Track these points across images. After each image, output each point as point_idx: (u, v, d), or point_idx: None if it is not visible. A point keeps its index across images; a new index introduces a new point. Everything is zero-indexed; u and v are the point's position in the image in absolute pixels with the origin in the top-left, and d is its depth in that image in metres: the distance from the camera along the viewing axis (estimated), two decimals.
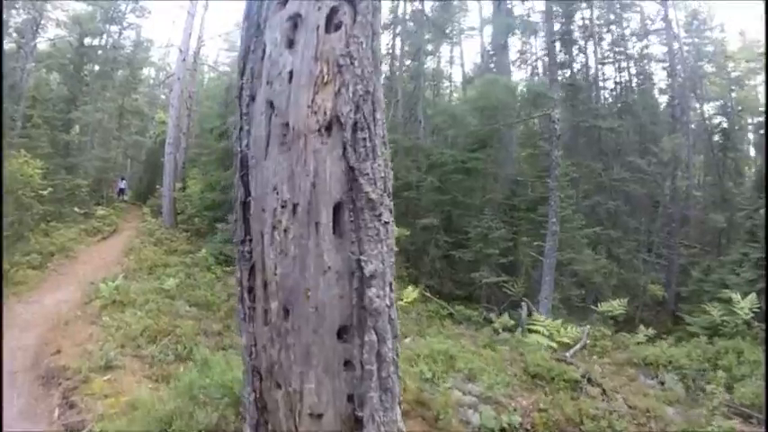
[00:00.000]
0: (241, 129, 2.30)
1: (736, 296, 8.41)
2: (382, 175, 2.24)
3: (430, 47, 20.91)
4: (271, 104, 2.16)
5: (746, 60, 21.11)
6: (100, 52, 21.22)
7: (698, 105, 21.44)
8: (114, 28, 21.95)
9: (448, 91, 25.24)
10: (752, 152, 23.40)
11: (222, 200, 13.66)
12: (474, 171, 13.60)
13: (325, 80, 2.11)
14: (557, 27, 15.33)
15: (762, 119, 21.07)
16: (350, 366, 2.12)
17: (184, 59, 17.62)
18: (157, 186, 21.20)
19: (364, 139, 2.15)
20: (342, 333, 2.13)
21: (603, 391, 5.80)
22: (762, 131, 19.38)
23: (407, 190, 13.71)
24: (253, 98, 2.28)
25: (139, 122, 26.99)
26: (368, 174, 2.15)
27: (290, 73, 2.11)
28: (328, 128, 2.11)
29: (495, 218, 12.52)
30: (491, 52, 18.43)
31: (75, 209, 15.10)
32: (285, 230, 2.11)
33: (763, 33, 8.81)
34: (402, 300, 8.79)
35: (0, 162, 9.41)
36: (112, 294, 7.42)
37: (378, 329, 2.12)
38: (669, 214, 20.12)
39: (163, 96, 29.96)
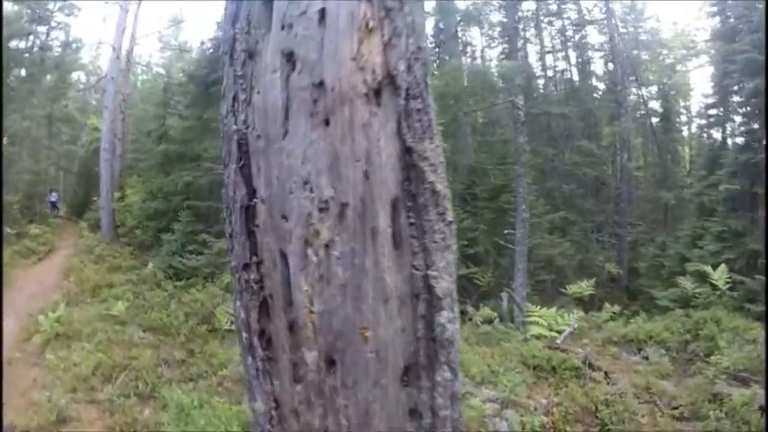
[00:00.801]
0: (234, 99, 1.56)
1: (708, 268, 8.39)
2: (441, 159, 1.59)
3: None
4: (289, 57, 1.44)
5: (678, 48, 22.08)
6: (26, 55, 19.01)
7: (635, 90, 22.16)
8: (42, 28, 19.60)
9: None
10: (685, 133, 24.51)
11: (165, 208, 12.48)
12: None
13: (369, 26, 1.41)
14: (499, 18, 15.26)
15: (690, 103, 22.19)
16: (416, 416, 1.51)
17: (117, 57, 16.00)
18: (94, 198, 19.44)
19: (419, 110, 1.48)
20: (404, 375, 1.51)
21: (606, 374, 5.70)
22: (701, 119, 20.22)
23: None
24: (251, 55, 1.54)
25: (71, 130, 24.48)
26: (428, 158, 1.49)
27: (322, 12, 1.39)
28: (377, 92, 1.42)
29: (458, 208, 12.12)
30: (443, 41, 18.08)
31: (7, 229, 13.37)
32: (327, 245, 1.40)
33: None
34: None
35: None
36: (54, 327, 6.29)
37: (451, 363, 1.52)
38: (618, 195, 20.76)
39: (94, 102, 27.53)
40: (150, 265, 10.84)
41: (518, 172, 10.37)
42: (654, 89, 22.83)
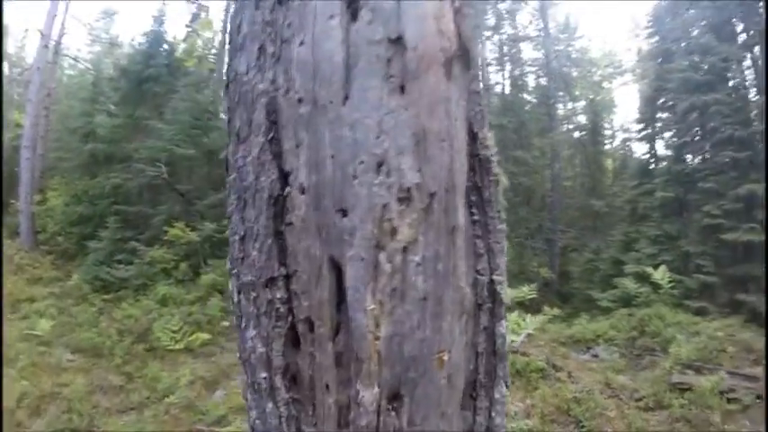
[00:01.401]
0: (261, 51, 1.13)
1: (649, 269, 8.73)
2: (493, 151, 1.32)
3: None
4: (351, 1, 1.05)
5: (605, 66, 23.57)
6: None
7: (562, 105, 23.34)
8: None
9: None
10: (607, 146, 26.09)
11: (91, 213, 11.24)
12: None
13: None
14: None
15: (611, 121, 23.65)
16: None
17: (46, 46, 14.27)
18: (12, 201, 17.31)
19: (477, 92, 1.21)
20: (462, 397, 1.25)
21: (569, 373, 5.75)
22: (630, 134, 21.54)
23: None
24: None
25: None
26: (489, 147, 1.23)
27: None
28: (449, 64, 1.09)
29: None
30: None
31: None
32: (405, 248, 1.03)
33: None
34: None
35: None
36: None
37: (506, 378, 1.29)
38: (550, 203, 21.68)
39: (16, 97, 24.73)
40: (75, 276, 9.62)
41: None
42: (581, 104, 24.18)
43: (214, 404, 4.45)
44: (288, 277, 1.12)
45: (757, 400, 4.67)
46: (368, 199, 1.01)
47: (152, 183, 10.37)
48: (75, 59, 24.13)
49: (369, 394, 1.07)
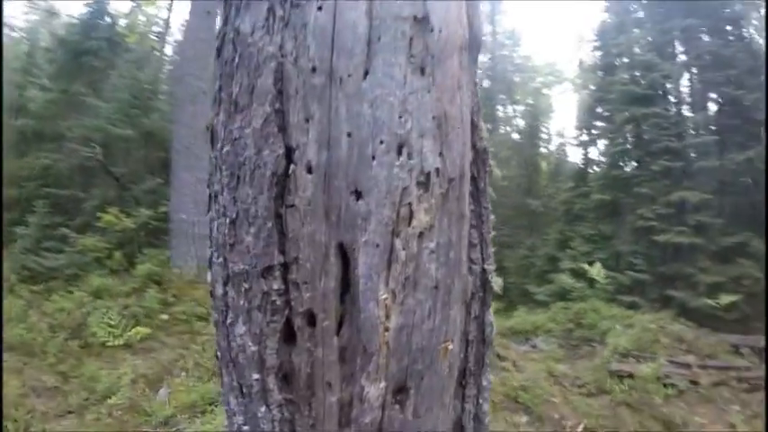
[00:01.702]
0: (271, 12, 1.01)
1: (585, 266, 9.09)
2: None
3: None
4: None
5: (546, 74, 24.57)
6: None
7: (502, 108, 24.15)
8: None
9: None
10: (543, 149, 27.27)
11: (18, 196, 10.23)
12: None
13: None
14: None
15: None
16: (458, 428, 1.24)
17: None
18: None
19: (476, 83, 1.25)
20: None
21: (514, 363, 5.87)
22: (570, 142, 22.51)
23: None
24: None
25: None
26: (484, 137, 1.25)
27: None
28: (462, 52, 1.07)
29: None
30: None
31: None
32: (421, 235, 0.97)
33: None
34: None
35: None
36: None
37: (491, 365, 1.32)
38: (499, 202, 22.41)
39: None
40: None
41: None
42: (521, 108, 25.10)
43: (159, 404, 4.16)
44: (285, 266, 1.02)
45: (691, 385, 5.05)
46: (387, 181, 0.94)
47: (85, 164, 9.55)
48: (9, 28, 21.86)
49: (374, 389, 1.01)
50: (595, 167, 13.43)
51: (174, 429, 3.86)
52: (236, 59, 1.02)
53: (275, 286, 1.02)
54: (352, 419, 1.03)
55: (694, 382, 5.06)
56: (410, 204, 0.96)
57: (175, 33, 17.28)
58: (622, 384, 5.12)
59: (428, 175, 0.96)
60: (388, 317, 0.99)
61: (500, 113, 24.17)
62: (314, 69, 0.96)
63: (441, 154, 0.98)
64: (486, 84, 23.41)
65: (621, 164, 11.35)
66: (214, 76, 1.14)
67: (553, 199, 19.88)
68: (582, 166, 14.44)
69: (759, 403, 4.69)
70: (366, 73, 0.94)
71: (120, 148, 10.33)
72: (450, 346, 1.09)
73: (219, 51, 1.10)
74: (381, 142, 0.94)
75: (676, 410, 4.49)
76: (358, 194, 0.95)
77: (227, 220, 1.06)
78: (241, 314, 1.06)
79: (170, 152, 8.62)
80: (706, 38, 10.70)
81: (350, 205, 0.95)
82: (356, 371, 1.02)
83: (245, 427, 1.12)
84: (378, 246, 0.96)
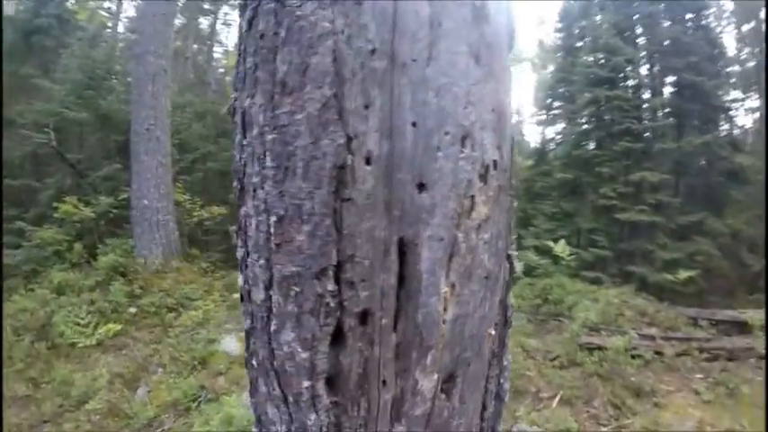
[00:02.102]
0: None
1: (550, 243, 9.27)
2: None
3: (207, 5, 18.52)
4: None
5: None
6: None
7: None
8: None
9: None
10: None
11: None
12: None
13: None
14: None
15: None
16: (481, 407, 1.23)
17: None
18: None
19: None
20: None
21: None
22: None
23: (207, 161, 11.52)
24: None
25: None
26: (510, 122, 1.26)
27: None
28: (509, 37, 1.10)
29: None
30: None
31: None
32: (479, 226, 0.95)
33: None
34: None
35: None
36: None
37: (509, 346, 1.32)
38: None
39: None
40: None
41: None
42: None
43: (140, 405, 3.99)
44: (339, 265, 0.97)
45: (656, 356, 5.35)
46: (453, 174, 0.91)
47: (38, 152, 9.00)
48: None
49: (428, 381, 0.99)
50: (552, 146, 13.83)
51: (159, 431, 3.73)
52: (283, 33, 0.93)
53: (329, 287, 0.95)
54: (403, 414, 1.01)
55: (659, 353, 5.34)
56: (473, 197, 0.93)
57: (128, 9, 16.37)
58: (593, 356, 5.32)
59: (487, 167, 0.95)
60: (445, 309, 0.97)
61: None
62: (373, 51, 0.89)
63: (498, 146, 0.96)
64: None
65: (584, 144, 11.69)
66: (239, 51, 1.04)
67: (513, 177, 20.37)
68: (540, 145, 14.82)
69: (719, 372, 5.04)
70: (429, 59, 0.90)
71: (75, 133, 9.76)
72: (492, 332, 1.09)
73: (251, 23, 0.99)
74: (447, 133, 0.90)
75: (645, 380, 4.73)
76: (422, 187, 0.91)
77: (273, 218, 0.97)
78: (289, 320, 0.99)
79: (129, 135, 8.19)
80: (667, 24, 11.11)
81: (414, 198, 0.91)
82: (410, 365, 0.99)
83: None
84: (442, 239, 0.93)
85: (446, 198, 0.91)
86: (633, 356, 5.25)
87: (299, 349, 1.00)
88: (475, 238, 0.96)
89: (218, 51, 20.11)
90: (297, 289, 0.97)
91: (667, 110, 10.98)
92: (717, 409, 4.37)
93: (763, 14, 12.85)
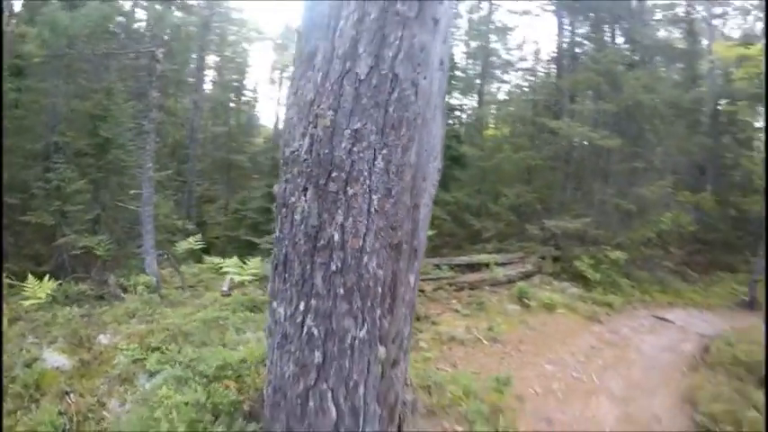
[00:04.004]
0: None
1: None
2: None
3: None
4: (441, 62, 1.96)
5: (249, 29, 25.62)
6: None
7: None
8: None
9: None
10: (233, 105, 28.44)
11: None
12: (26, 104, 10.63)
13: None
14: None
15: None
16: None
17: None
18: None
19: None
20: None
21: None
22: None
23: None
24: (422, 47, 1.95)
25: None
26: None
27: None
28: None
29: (68, 166, 10.56)
30: None
31: None
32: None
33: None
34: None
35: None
36: None
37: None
38: (198, 156, 22.32)
39: None
40: None
41: (147, 128, 10.04)
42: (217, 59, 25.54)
43: None
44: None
45: (420, 293, 7.35)
46: (426, 190, 2.07)
47: None
48: None
49: (413, 277, 2.18)
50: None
51: None
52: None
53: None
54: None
55: (422, 291, 7.41)
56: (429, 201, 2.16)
57: None
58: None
59: (434, 183, 2.18)
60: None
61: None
62: (417, 113, 1.98)
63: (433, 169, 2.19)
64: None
65: None
66: None
67: (263, 154, 21.59)
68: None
69: (467, 296, 7.53)
70: (434, 118, 2.02)
71: None
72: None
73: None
74: (431, 163, 2.07)
75: (420, 309, 6.60)
76: (423, 179, 2.05)
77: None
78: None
79: None
80: None
81: (419, 184, 2.05)
82: (411, 266, 2.14)
83: None
84: (427, 205, 2.12)
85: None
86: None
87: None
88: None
89: None
90: None
91: None
92: (474, 318, 6.71)
93: None
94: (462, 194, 13.73)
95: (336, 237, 2.00)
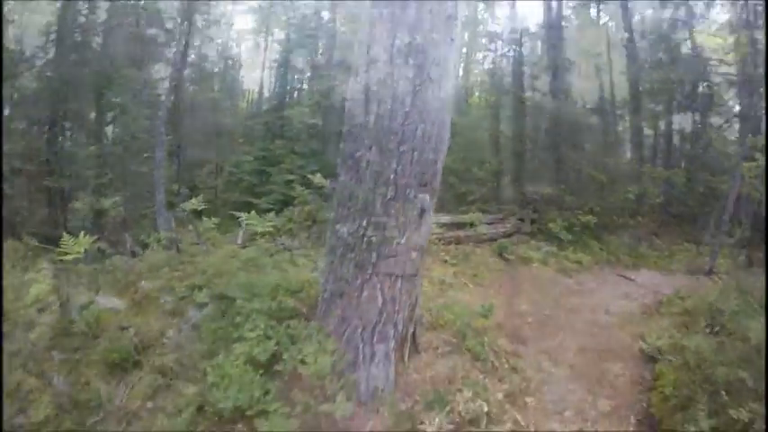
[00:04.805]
0: None
1: (309, 176, 11.43)
2: None
3: None
4: (454, 67, 3.23)
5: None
6: None
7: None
8: None
9: None
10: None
11: None
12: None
13: None
14: None
15: None
16: None
17: None
18: None
19: None
20: None
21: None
22: None
23: None
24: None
25: None
26: None
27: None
28: None
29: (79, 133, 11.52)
30: None
31: None
32: None
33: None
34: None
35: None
36: None
37: None
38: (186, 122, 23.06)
39: None
40: None
41: (159, 93, 10.97)
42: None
43: None
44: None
45: None
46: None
47: None
48: None
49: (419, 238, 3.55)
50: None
51: None
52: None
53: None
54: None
55: None
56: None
57: None
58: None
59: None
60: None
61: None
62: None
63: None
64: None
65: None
66: None
67: (255, 119, 22.34)
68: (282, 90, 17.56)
69: (455, 249, 8.88)
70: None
71: None
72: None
73: None
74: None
75: None
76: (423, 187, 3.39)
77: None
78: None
79: None
80: None
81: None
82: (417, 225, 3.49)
83: None
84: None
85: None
86: None
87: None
88: None
89: None
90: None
91: None
92: (461, 266, 8.24)
93: None
94: (449, 160, 14.98)
95: (392, 176, 3.31)
